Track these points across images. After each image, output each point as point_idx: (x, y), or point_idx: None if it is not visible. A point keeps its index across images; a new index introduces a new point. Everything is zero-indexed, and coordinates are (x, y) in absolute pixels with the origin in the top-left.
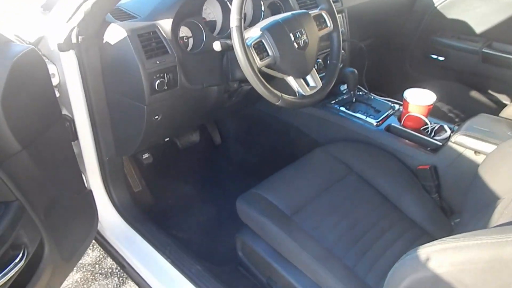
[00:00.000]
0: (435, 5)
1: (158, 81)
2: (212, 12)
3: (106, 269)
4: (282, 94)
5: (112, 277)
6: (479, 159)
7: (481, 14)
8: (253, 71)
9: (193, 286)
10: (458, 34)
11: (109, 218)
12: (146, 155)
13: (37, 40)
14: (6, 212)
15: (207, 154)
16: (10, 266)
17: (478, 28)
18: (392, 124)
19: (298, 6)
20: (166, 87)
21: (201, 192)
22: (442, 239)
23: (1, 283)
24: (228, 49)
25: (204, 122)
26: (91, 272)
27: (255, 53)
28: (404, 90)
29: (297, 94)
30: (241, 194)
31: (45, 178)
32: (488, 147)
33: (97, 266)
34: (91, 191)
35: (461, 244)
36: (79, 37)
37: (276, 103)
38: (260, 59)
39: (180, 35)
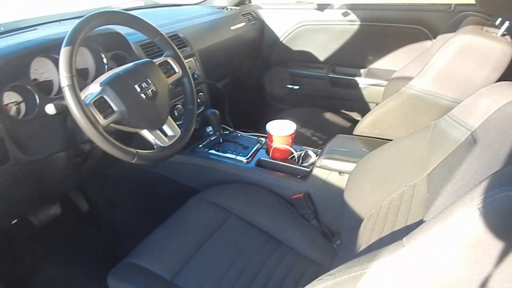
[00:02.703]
0: (281, 40)
1: None
2: (45, 71)
3: None
4: (137, 150)
5: None
6: (344, 179)
7: (321, 43)
8: (97, 131)
9: None
10: (307, 63)
11: None
12: None
13: None
14: None
15: (73, 225)
16: None
17: (322, 56)
18: (262, 158)
19: (145, 55)
20: None
21: (68, 274)
22: (320, 277)
23: None
24: (63, 111)
25: (63, 191)
26: None
27: (96, 111)
28: (267, 122)
29: (155, 147)
30: (112, 268)
31: None
32: (349, 166)
33: None
34: None
35: (337, 280)
36: None
37: (132, 161)
38: (104, 117)
39: (6, 102)
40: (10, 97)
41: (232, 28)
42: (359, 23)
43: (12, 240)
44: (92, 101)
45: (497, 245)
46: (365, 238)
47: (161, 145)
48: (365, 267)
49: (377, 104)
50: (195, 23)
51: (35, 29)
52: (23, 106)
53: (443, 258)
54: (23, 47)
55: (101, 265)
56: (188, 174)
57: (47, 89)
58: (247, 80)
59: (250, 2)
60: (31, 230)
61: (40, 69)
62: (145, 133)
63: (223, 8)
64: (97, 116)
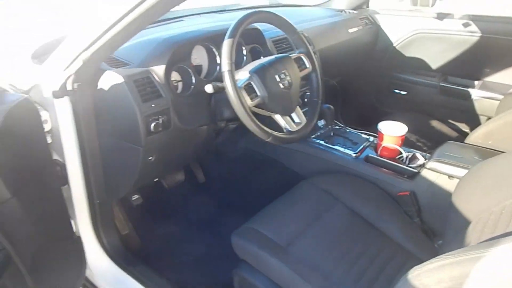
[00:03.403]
0: (394, 45)
1: (153, 123)
2: (198, 57)
3: None
4: (272, 131)
5: None
6: (453, 183)
7: (436, 52)
8: (245, 111)
9: None
10: (417, 70)
11: (99, 263)
12: (135, 197)
13: (30, 88)
14: None
15: (192, 193)
16: None
17: (434, 64)
18: (370, 155)
19: (275, 50)
20: (160, 129)
21: (189, 232)
22: (437, 257)
23: None
24: (218, 91)
25: (190, 161)
26: None
27: (245, 94)
28: (374, 123)
29: (284, 131)
30: (235, 230)
31: (33, 225)
32: (460, 172)
33: None
34: (79, 237)
35: (457, 260)
36: (75, 84)
37: (267, 140)
38: (251, 99)
39: (171, 79)
40: (174, 76)
41: (350, 31)
42: (480, 34)
43: (149, 196)
44: (243, 85)
45: None
46: (473, 238)
47: (290, 129)
48: (485, 251)
49: (489, 118)
50: (317, 24)
51: (181, 20)
52: (180, 85)
53: None
54: (189, 36)
55: (217, 228)
56: (296, 160)
57: (198, 72)
58: (357, 81)
59: (367, 7)
60: (161, 190)
61: (194, 55)
62: (278, 117)
63: (341, 11)
64: (246, 98)
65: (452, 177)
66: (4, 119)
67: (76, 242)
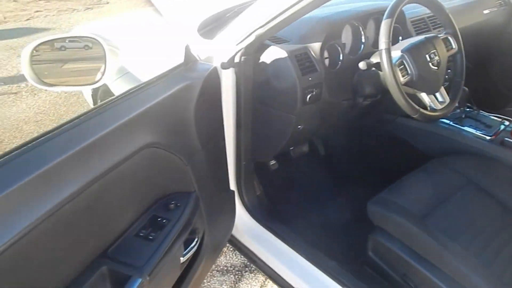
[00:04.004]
0: None
1: (309, 95)
2: (343, 36)
3: (222, 267)
4: (419, 108)
5: (228, 274)
6: None
7: None
8: (398, 87)
9: (329, 279)
10: None
11: (240, 216)
12: (272, 162)
13: (206, 59)
14: (189, 201)
15: (313, 163)
16: (189, 248)
17: None
18: (506, 139)
19: (414, 30)
20: (313, 100)
21: (314, 200)
22: None
23: (182, 261)
24: (369, 68)
25: (323, 132)
26: None
27: (398, 71)
28: (507, 107)
29: (428, 109)
30: (371, 199)
31: (210, 175)
32: None
33: (213, 265)
34: (233, 191)
35: None
36: (242, 57)
37: (414, 116)
38: (402, 77)
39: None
40: (325, 53)
41: (485, 12)
42: None
43: (287, 161)
44: (396, 63)
45: None
46: None
47: (434, 107)
48: None
49: None
50: (455, 4)
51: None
52: (327, 61)
53: None
54: (342, 15)
55: (341, 198)
56: (424, 140)
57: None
58: (489, 63)
59: None
60: (288, 159)
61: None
62: (424, 95)
63: None
64: (399, 75)
65: None
66: (202, 83)
67: (231, 195)
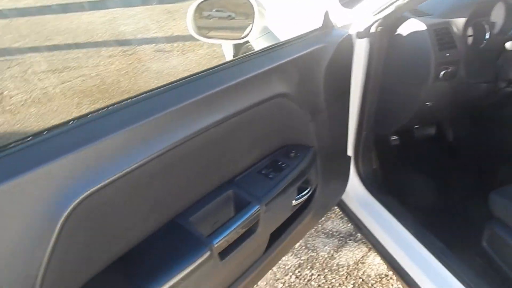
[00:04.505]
0: None
1: (443, 71)
2: (494, 14)
3: (328, 230)
4: None
5: (333, 238)
6: None
7: None
8: None
9: (435, 259)
10: None
11: (352, 184)
12: (394, 137)
13: (343, 27)
14: (308, 154)
15: (438, 148)
16: (301, 194)
17: None
18: None
19: None
20: (447, 77)
21: (432, 181)
22: None
23: (294, 204)
24: None
25: (452, 116)
26: (315, 229)
27: None
28: None
29: None
30: (495, 190)
31: (330, 135)
32: None
33: (319, 226)
34: (350, 157)
35: None
36: (379, 28)
37: None
38: None
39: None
40: (468, 30)
41: None
42: None
43: (410, 140)
44: None
45: None
46: None
47: None
48: None
49: None
50: None
51: None
52: (471, 39)
53: None
54: None
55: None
56: None
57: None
58: None
59: None
60: (411, 140)
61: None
62: None
63: None
64: None
65: None
66: (336, 48)
67: (347, 160)
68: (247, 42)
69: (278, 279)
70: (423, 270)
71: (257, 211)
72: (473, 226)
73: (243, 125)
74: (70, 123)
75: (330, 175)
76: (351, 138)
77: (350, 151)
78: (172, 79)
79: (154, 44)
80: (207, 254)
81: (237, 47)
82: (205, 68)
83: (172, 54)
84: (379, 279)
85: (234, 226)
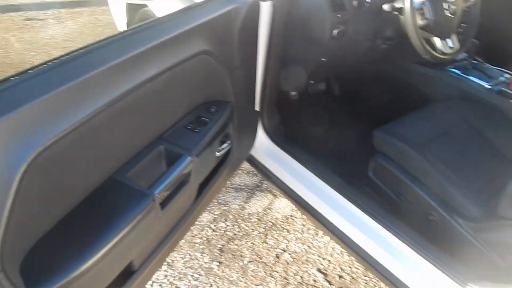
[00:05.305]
0: None
1: (336, 30)
2: None
3: (236, 185)
4: (431, 50)
5: (242, 191)
6: None
7: None
8: (415, 29)
9: (335, 192)
10: None
11: (260, 138)
12: (293, 93)
13: None
14: (226, 109)
15: (328, 100)
16: (223, 146)
17: None
18: (503, 89)
19: None
20: (339, 36)
21: (328, 129)
22: None
23: (217, 155)
24: (392, 11)
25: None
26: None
27: (418, 15)
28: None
29: (439, 52)
30: (377, 129)
31: (243, 92)
32: None
33: (228, 182)
34: (258, 111)
35: None
36: None
37: (426, 56)
38: (420, 20)
39: None
40: None
41: None
42: None
43: (306, 94)
44: (417, 8)
45: None
46: None
47: (445, 51)
48: None
49: None
50: None
51: None
52: (355, 2)
53: None
54: None
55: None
56: (431, 85)
57: None
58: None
59: None
60: (307, 94)
61: None
62: (436, 40)
63: None
64: (417, 18)
65: None
66: (247, 9)
67: (256, 115)
68: (145, 5)
69: (196, 235)
70: (326, 202)
71: (190, 162)
72: (362, 160)
73: (171, 83)
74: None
75: (243, 129)
76: (258, 94)
77: (257, 107)
78: (53, 51)
79: (23, 12)
80: (150, 204)
81: (131, 12)
82: (89, 38)
83: (47, 23)
84: (286, 220)
85: (172, 177)
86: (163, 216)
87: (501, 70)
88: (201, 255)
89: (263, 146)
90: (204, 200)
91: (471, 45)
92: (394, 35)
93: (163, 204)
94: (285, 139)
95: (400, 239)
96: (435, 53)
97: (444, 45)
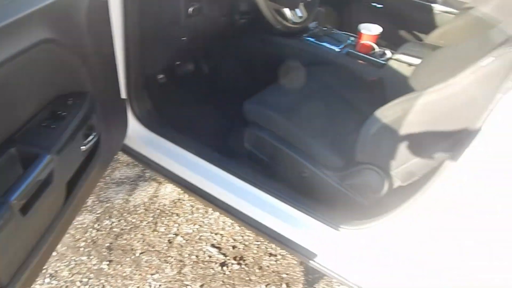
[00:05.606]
0: None
1: (191, 8)
2: None
3: (117, 179)
4: (283, 20)
5: (124, 184)
6: (410, 69)
7: None
8: (265, 1)
9: (214, 167)
10: None
11: (132, 126)
12: (160, 76)
13: None
14: (85, 99)
15: (199, 80)
16: (88, 139)
17: None
18: (350, 50)
19: None
20: (195, 13)
21: (201, 109)
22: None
23: (83, 150)
24: None
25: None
26: (103, 182)
27: None
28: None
29: (290, 22)
30: (246, 100)
31: (103, 80)
32: (417, 61)
33: (108, 178)
34: (124, 99)
35: (407, 98)
36: None
37: (277, 26)
38: None
39: None
40: None
41: None
42: None
43: (174, 76)
44: None
45: None
46: None
47: (295, 21)
48: (424, 92)
49: None
50: None
51: None
52: None
53: None
54: None
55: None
56: (291, 54)
57: None
58: None
59: None
60: (175, 76)
61: None
62: (286, 11)
63: None
64: None
65: (411, 65)
66: None
67: (123, 103)
68: None
69: (79, 239)
70: (209, 179)
71: (50, 160)
72: (238, 133)
73: (11, 78)
74: None
75: (110, 119)
76: (122, 81)
77: (123, 94)
78: None
79: None
80: (8, 213)
81: None
82: None
83: None
84: (174, 204)
85: (29, 180)
86: (27, 223)
87: (347, 34)
88: (88, 258)
89: (138, 134)
90: (77, 199)
91: (319, 13)
92: (249, 9)
93: (25, 210)
94: (159, 124)
95: (280, 200)
96: (286, 23)
97: (293, 14)
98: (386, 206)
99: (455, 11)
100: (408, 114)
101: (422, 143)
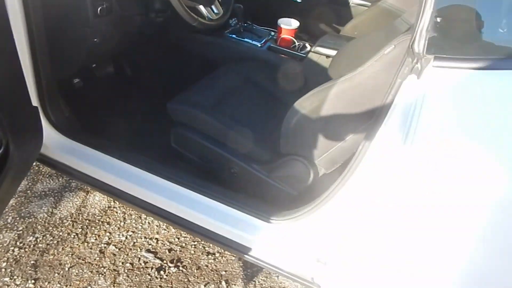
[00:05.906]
0: None
1: (100, 7)
2: None
3: (39, 192)
4: (198, 17)
5: (47, 197)
6: (329, 60)
7: None
8: None
9: (142, 170)
10: None
11: (49, 135)
12: (76, 80)
13: None
14: None
15: (121, 83)
16: None
17: None
18: (271, 45)
19: None
20: (105, 13)
21: (123, 115)
22: (312, 90)
23: None
24: None
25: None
26: (24, 197)
27: None
28: (275, 21)
29: (206, 19)
30: (169, 101)
31: (7, 88)
32: (333, 52)
33: (29, 192)
34: (36, 107)
35: (322, 88)
36: None
37: (193, 24)
38: None
39: None
40: None
41: None
42: None
43: (92, 80)
44: None
45: None
46: None
47: (211, 17)
48: (336, 82)
49: None
50: None
51: None
52: None
53: None
54: None
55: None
56: (214, 52)
57: None
58: None
59: None
60: (93, 80)
61: None
62: (202, 8)
63: None
64: None
65: (329, 56)
66: None
67: (35, 111)
68: None
69: None
70: (138, 184)
71: None
72: (164, 134)
73: None
74: None
75: (19, 129)
76: (32, 88)
77: (35, 102)
78: None
79: None
80: None
81: None
82: None
83: None
84: (104, 212)
85: None
86: None
87: (268, 29)
88: (11, 279)
89: (56, 142)
90: None
91: (237, 9)
92: (165, 7)
93: None
94: (79, 130)
95: (211, 198)
96: (202, 20)
97: (209, 11)
98: (314, 195)
99: (368, 3)
100: (324, 103)
101: (339, 130)
